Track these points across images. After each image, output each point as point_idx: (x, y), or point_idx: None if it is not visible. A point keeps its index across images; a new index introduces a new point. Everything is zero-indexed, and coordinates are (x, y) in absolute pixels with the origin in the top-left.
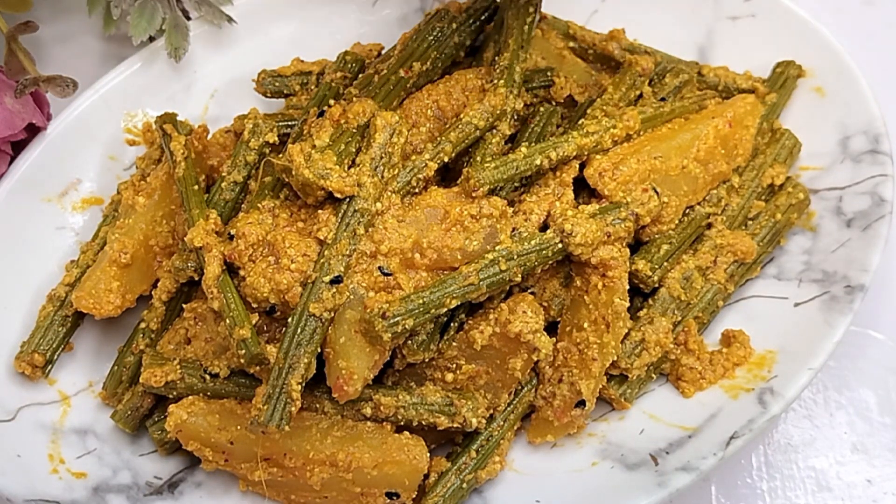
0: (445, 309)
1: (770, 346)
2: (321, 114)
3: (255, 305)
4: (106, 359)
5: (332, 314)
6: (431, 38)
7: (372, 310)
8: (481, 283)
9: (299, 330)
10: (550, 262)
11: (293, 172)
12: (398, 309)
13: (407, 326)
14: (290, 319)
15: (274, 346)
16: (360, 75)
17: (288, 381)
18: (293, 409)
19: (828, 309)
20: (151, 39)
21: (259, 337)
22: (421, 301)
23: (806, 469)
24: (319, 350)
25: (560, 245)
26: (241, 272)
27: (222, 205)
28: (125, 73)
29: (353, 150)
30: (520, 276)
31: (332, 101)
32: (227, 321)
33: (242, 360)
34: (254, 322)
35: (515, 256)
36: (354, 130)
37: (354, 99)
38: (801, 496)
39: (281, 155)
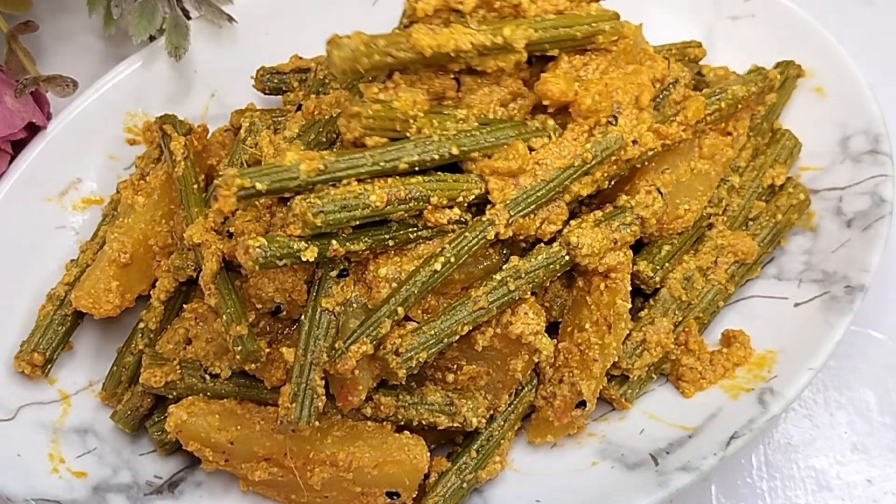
0: (458, 336)
1: (770, 346)
2: (299, 108)
3: (259, 306)
4: (106, 358)
5: (343, 307)
6: None
7: (385, 347)
8: (491, 305)
9: (315, 325)
10: (558, 273)
11: (261, 163)
12: (411, 343)
13: (421, 359)
14: (302, 317)
15: (285, 347)
16: None
17: (311, 377)
18: (319, 404)
19: (828, 309)
20: (152, 39)
21: (263, 337)
22: (433, 332)
23: (806, 469)
24: None
25: (567, 258)
26: (243, 271)
27: None
28: (125, 73)
29: (324, 139)
30: (529, 293)
31: (311, 95)
32: (224, 318)
33: (238, 357)
34: (252, 321)
35: (524, 274)
36: (326, 120)
37: (331, 90)
38: (801, 496)
39: (251, 142)
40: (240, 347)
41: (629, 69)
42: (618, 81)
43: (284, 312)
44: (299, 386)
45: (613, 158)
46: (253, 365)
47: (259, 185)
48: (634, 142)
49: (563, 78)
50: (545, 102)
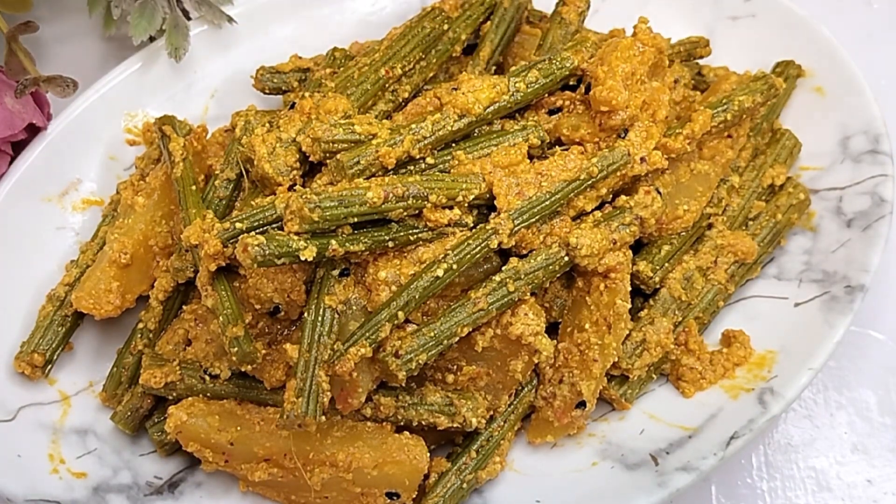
0: (457, 338)
1: (770, 346)
2: (292, 106)
3: (258, 307)
4: (106, 359)
5: (345, 307)
6: (419, 38)
7: (385, 349)
8: (491, 306)
9: (318, 323)
10: (558, 274)
11: (254, 163)
12: (410, 345)
13: (420, 361)
14: (305, 313)
15: (289, 343)
16: (341, 69)
17: (317, 372)
18: (325, 399)
19: (828, 309)
20: (152, 39)
21: (262, 339)
22: (432, 334)
23: (806, 469)
24: None
25: (566, 258)
26: (241, 270)
27: (217, 202)
28: (125, 73)
29: None
30: (528, 294)
31: (305, 94)
32: (221, 319)
33: (234, 359)
34: (250, 322)
35: (523, 276)
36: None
37: (329, 94)
38: (801, 496)
39: (246, 141)
40: (236, 349)
41: (654, 85)
42: (643, 95)
43: (283, 313)
44: (305, 381)
45: (619, 173)
46: (249, 366)
47: (239, 225)
48: (642, 159)
49: (618, 88)
50: (602, 108)
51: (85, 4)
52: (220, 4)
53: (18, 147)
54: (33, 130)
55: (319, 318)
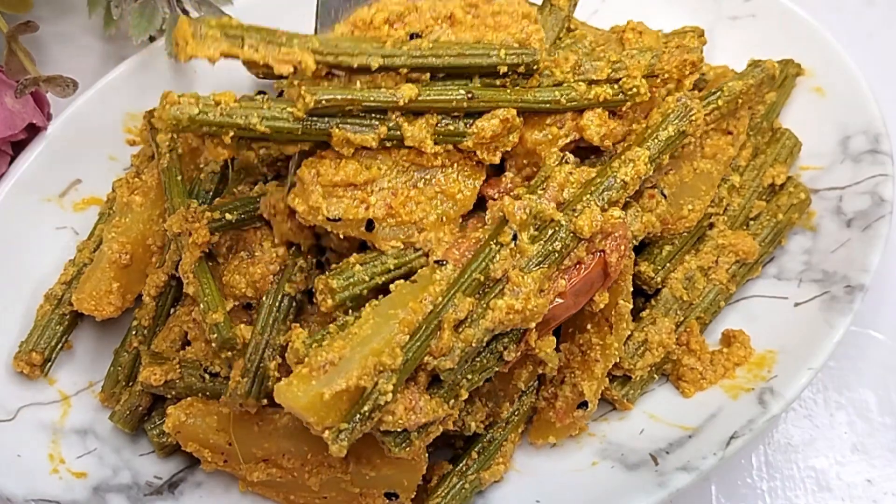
0: None
1: (770, 346)
2: (280, 93)
3: (234, 302)
4: (106, 358)
5: (305, 297)
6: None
7: None
8: None
9: (275, 308)
10: None
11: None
12: None
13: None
14: (264, 298)
15: (243, 324)
16: None
17: (265, 356)
18: (270, 384)
19: (828, 309)
20: (152, 39)
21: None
22: None
23: (806, 469)
24: None
25: None
26: (220, 259)
27: (203, 195)
28: (125, 73)
29: None
30: None
31: (294, 82)
32: (202, 306)
33: (214, 345)
34: (229, 308)
35: None
36: None
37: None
38: (801, 496)
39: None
40: (215, 335)
41: None
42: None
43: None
44: (252, 363)
45: None
46: (229, 353)
47: (229, 216)
48: None
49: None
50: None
51: (85, 4)
52: (219, 4)
53: (18, 147)
54: (33, 130)
55: (276, 304)
